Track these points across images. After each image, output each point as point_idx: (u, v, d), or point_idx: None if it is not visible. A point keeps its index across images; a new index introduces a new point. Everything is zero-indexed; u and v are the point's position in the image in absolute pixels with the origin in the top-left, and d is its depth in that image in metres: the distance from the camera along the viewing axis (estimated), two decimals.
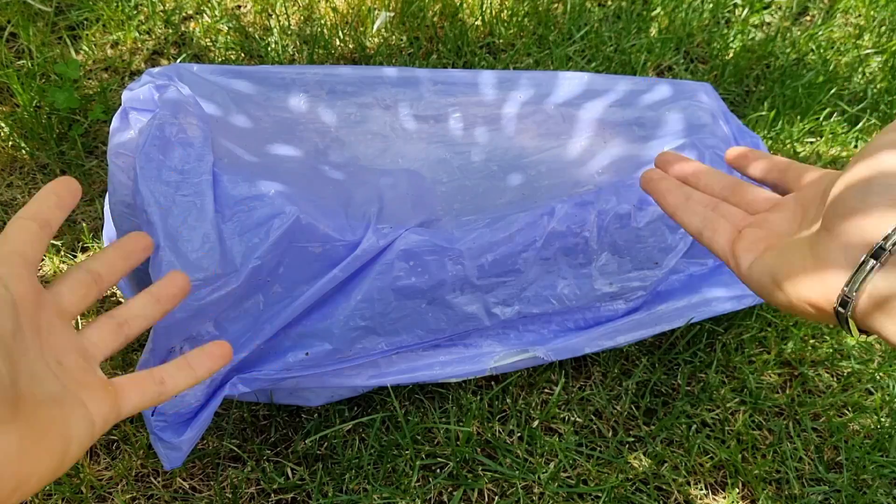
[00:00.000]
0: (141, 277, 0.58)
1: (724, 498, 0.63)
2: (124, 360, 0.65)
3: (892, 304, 0.31)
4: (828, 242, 0.34)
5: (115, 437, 0.61)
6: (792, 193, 0.42)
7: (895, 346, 0.31)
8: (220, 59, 0.87)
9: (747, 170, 0.46)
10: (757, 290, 0.38)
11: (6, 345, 0.32)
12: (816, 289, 0.34)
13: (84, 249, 0.71)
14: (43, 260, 0.70)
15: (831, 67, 0.99)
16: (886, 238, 0.31)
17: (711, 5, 1.03)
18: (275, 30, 0.89)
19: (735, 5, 1.06)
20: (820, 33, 1.04)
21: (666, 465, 0.64)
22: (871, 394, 0.71)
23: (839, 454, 0.66)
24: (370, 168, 0.64)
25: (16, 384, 0.31)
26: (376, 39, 0.91)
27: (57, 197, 0.38)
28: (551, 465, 0.62)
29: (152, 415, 0.52)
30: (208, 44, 0.88)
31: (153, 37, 0.88)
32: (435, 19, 0.94)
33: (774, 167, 0.45)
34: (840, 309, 0.33)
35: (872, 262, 0.31)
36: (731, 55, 0.99)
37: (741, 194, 0.44)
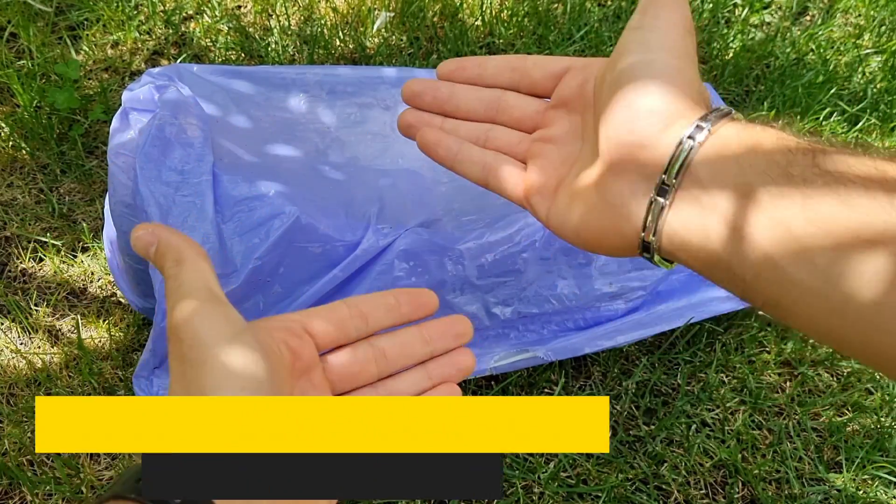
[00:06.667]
0: (141, 277, 0.58)
1: (724, 497, 0.63)
2: (124, 361, 0.65)
3: (688, 242, 0.28)
4: (612, 184, 0.31)
5: None
6: (554, 98, 0.37)
7: (698, 271, 0.29)
8: (220, 60, 0.87)
9: (479, 81, 0.39)
10: (560, 236, 0.35)
11: None
12: (617, 240, 0.31)
13: (84, 249, 0.71)
14: (44, 260, 0.70)
15: (831, 67, 0.99)
16: (667, 170, 0.28)
17: (711, 5, 1.03)
18: (275, 30, 0.90)
19: (735, 5, 1.06)
20: (820, 33, 1.04)
21: (666, 464, 0.64)
22: (871, 393, 0.71)
23: (839, 454, 0.66)
24: (370, 168, 0.64)
25: None
26: (376, 39, 0.91)
27: (394, 300, 0.37)
28: (551, 465, 0.62)
29: None
30: (208, 44, 0.88)
31: (153, 37, 0.88)
32: (435, 19, 0.94)
33: (503, 70, 0.38)
34: (645, 254, 0.30)
35: (661, 201, 0.28)
36: (730, 55, 0.99)
37: (507, 111, 0.38)
